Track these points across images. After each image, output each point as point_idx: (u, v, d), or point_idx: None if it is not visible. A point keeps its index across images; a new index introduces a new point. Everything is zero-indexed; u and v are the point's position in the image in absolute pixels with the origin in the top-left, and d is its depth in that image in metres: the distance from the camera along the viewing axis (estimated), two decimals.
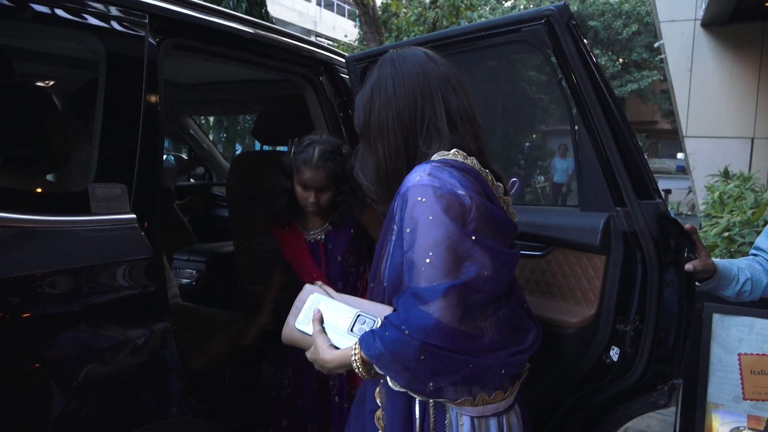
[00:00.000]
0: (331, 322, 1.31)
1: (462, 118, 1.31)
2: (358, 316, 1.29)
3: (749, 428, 1.99)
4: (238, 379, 2.23)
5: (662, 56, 11.78)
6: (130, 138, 1.48)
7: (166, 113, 1.91)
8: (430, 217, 1.16)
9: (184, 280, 3.18)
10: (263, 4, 9.99)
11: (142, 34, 1.55)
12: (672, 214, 1.71)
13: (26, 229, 1.25)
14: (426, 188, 1.18)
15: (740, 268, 1.68)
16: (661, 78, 23.41)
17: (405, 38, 13.09)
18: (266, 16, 10.10)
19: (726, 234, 4.32)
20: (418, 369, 1.14)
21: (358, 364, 1.21)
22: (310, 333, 1.32)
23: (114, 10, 1.50)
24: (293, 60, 2.26)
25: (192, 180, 4.89)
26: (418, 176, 1.20)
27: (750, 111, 10.14)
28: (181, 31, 1.73)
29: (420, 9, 13.16)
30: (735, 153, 9.62)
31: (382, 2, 14.27)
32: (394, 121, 1.30)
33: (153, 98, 1.54)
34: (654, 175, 1.72)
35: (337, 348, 1.27)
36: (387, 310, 1.27)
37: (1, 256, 1.18)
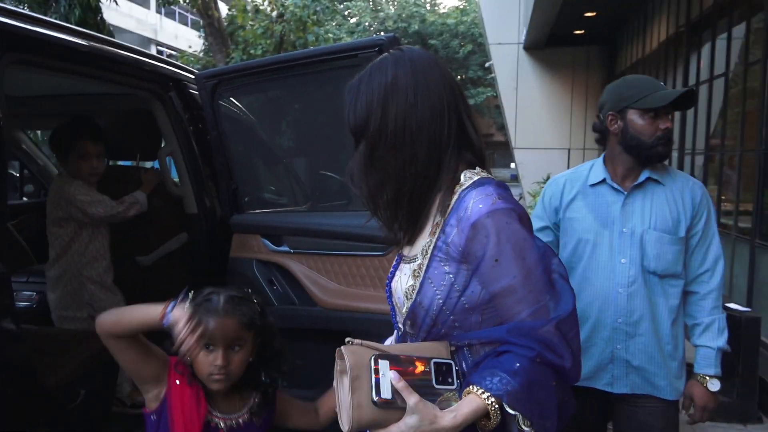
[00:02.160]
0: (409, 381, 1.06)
1: (478, 129, 1.21)
2: (434, 363, 1.09)
3: None
4: (92, 396, 2.20)
5: (493, 75, 12.95)
6: None
7: (8, 128, 1.85)
8: (523, 241, 1.09)
9: (23, 303, 3.00)
10: (98, 11, 9.46)
11: None
12: None
13: None
14: (508, 212, 1.09)
15: None
16: (494, 94, 25.56)
17: (252, 51, 13.02)
18: (102, 23, 9.57)
19: None
20: (548, 400, 1.04)
21: (497, 411, 1.02)
22: (400, 404, 1.03)
23: None
24: (141, 75, 2.29)
25: (25, 198, 4.55)
26: (491, 200, 1.10)
27: (566, 125, 11.51)
28: (24, 46, 1.71)
29: (267, 22, 13.19)
30: (555, 162, 10.84)
31: (227, 14, 14.10)
32: (415, 133, 1.13)
33: None
34: None
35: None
36: (442, 347, 1.13)
37: None
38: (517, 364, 1.03)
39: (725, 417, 3.77)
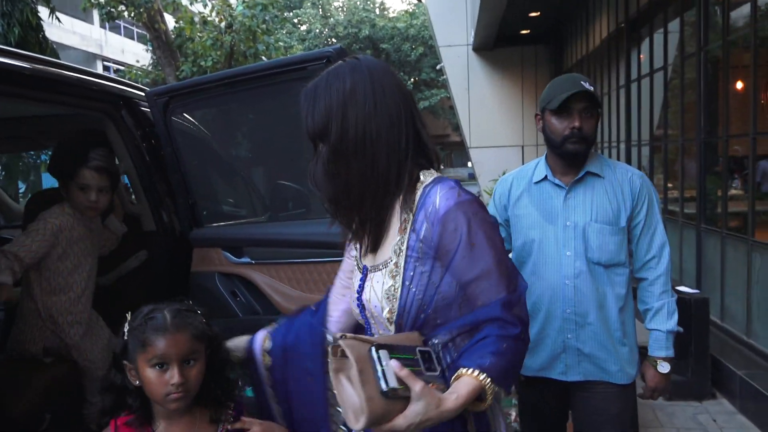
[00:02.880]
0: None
1: (429, 133, 1.27)
2: (419, 351, 1.10)
3: None
4: (58, 421, 2.18)
5: (445, 77, 13.14)
6: None
7: None
8: (492, 228, 1.16)
9: None
10: (39, 29, 9.22)
11: None
12: None
13: None
14: (473, 203, 1.17)
15: None
16: (448, 95, 25.90)
17: (202, 63, 12.86)
18: (44, 41, 9.32)
19: None
20: (516, 374, 1.12)
21: (493, 389, 1.06)
22: (406, 393, 1.01)
23: None
24: (91, 96, 2.28)
25: None
26: (456, 193, 1.17)
27: (518, 122, 11.77)
28: None
29: (216, 33, 13.05)
30: (509, 159, 11.06)
31: (175, 26, 13.90)
32: (375, 140, 1.18)
33: None
34: None
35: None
36: (415, 336, 1.17)
37: None
38: (504, 345, 1.08)
39: (681, 395, 3.95)
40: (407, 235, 1.18)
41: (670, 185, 6.08)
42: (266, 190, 3.18)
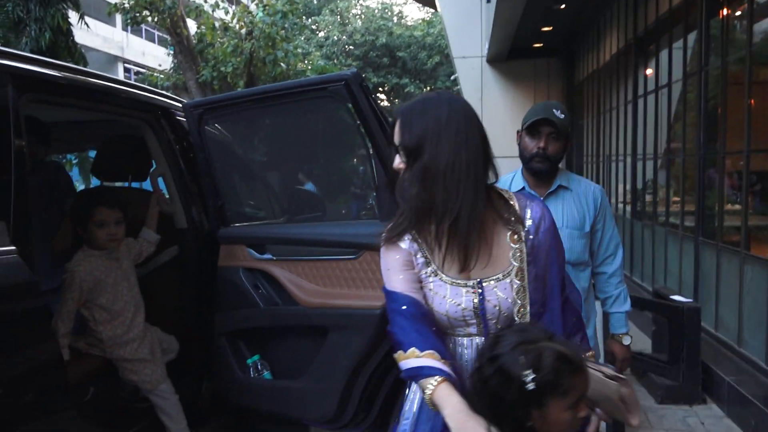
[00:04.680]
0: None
1: None
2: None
3: None
4: (102, 392, 2.45)
5: (459, 87, 13.38)
6: (5, 180, 1.73)
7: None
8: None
9: None
10: (69, 34, 9.59)
11: (7, 89, 1.81)
12: None
13: None
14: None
15: None
16: None
17: (222, 68, 13.20)
18: (73, 45, 9.70)
19: None
20: None
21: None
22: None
23: None
24: (135, 106, 2.57)
25: None
26: (546, 209, 1.50)
27: None
28: (38, 86, 1.99)
29: (236, 40, 13.39)
30: None
31: (196, 32, 14.28)
32: (464, 171, 1.35)
33: (20, 143, 1.81)
34: None
35: None
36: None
37: None
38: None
39: (672, 399, 4.15)
40: (523, 244, 1.44)
41: (673, 199, 6.28)
42: (285, 194, 3.45)
